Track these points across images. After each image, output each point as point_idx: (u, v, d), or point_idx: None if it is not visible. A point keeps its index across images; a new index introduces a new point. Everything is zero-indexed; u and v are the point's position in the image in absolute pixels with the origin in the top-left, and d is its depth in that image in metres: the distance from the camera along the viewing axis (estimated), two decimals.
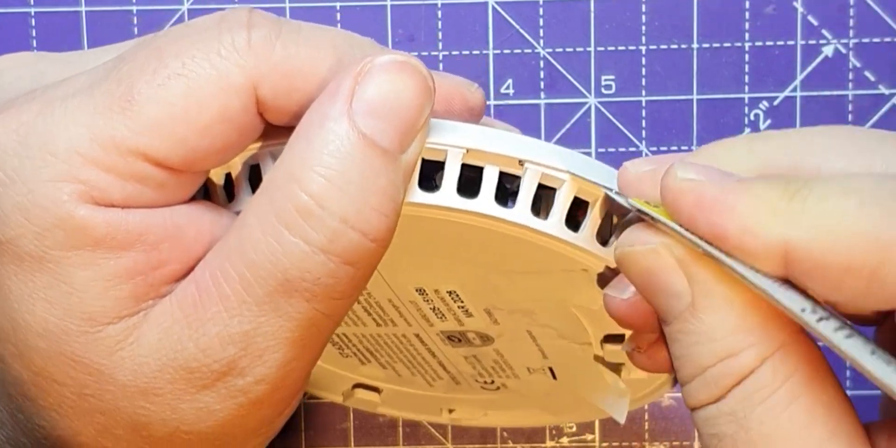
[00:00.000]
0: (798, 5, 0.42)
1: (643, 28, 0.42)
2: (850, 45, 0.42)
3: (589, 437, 0.44)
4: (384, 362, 0.38)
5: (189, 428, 0.28)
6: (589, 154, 0.42)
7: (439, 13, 0.43)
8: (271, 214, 0.27)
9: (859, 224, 0.23)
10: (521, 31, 0.42)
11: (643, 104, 0.43)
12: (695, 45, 0.43)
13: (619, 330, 0.33)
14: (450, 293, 0.33)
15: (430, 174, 0.29)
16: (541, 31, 0.42)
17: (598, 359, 0.35)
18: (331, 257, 0.27)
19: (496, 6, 0.42)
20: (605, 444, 0.44)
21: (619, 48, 0.42)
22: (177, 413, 0.28)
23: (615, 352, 0.34)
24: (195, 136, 0.27)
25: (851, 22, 0.42)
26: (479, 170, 0.29)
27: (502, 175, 0.29)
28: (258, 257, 0.27)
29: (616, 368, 0.36)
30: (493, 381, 0.39)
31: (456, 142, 0.28)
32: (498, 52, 0.42)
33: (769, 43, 0.43)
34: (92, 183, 0.27)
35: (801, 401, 0.24)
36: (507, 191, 0.29)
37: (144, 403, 0.28)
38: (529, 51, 0.42)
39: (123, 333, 0.28)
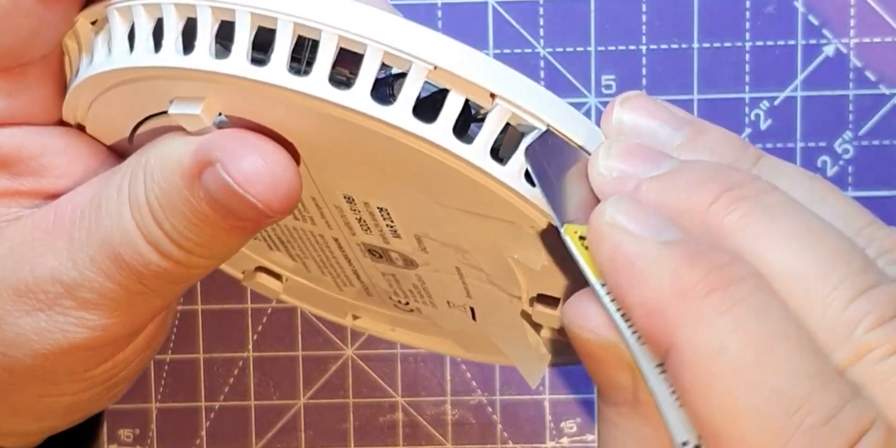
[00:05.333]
0: (799, 5, 0.42)
1: (643, 28, 0.42)
2: (851, 45, 0.42)
3: (589, 437, 0.44)
4: (294, 255, 0.35)
5: (6, 350, 0.28)
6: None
7: (439, 13, 0.43)
8: (125, 195, 0.27)
9: None
10: (521, 30, 0.42)
11: None
12: (695, 45, 0.43)
13: (554, 292, 0.30)
14: (381, 210, 0.30)
15: (389, 82, 0.25)
16: (541, 31, 0.42)
17: (524, 315, 0.32)
18: (162, 256, 0.27)
19: (496, 6, 0.42)
20: None
21: (619, 48, 0.42)
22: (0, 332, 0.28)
23: (546, 314, 0.31)
24: None
25: (852, 22, 0.42)
26: (444, 92, 0.25)
27: (466, 102, 0.25)
28: (108, 221, 0.27)
29: (539, 329, 0.33)
30: (407, 303, 0.35)
31: (424, 54, 0.24)
32: (498, 51, 0.42)
33: (770, 43, 0.43)
34: None
35: None
36: (469, 117, 0.25)
37: None
38: (529, 50, 0.42)
39: None
